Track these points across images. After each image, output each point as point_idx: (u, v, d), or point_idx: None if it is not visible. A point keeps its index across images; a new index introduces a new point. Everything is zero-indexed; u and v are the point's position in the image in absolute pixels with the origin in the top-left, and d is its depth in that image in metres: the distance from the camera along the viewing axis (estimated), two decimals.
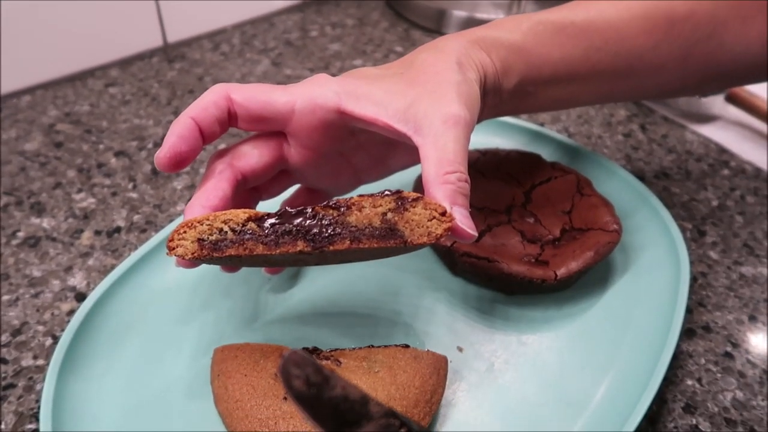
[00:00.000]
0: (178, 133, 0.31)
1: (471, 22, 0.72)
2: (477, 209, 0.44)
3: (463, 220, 0.29)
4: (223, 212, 0.29)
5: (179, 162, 0.31)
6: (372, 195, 0.28)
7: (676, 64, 0.39)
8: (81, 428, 0.32)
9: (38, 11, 0.57)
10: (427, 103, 0.32)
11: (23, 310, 0.40)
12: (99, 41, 0.63)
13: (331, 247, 0.28)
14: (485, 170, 0.46)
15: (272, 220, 0.28)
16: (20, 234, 0.46)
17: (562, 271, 0.38)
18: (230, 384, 0.33)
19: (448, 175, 0.30)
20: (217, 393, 0.33)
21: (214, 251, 0.28)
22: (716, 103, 0.59)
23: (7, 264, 0.43)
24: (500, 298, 0.40)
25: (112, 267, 0.43)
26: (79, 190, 0.50)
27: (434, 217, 0.28)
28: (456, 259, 0.40)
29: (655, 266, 0.41)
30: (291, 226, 0.28)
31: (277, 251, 0.28)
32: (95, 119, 0.58)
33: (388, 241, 0.28)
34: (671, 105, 0.61)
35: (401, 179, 0.43)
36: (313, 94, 0.32)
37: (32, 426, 0.34)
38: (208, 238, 0.29)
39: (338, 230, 0.28)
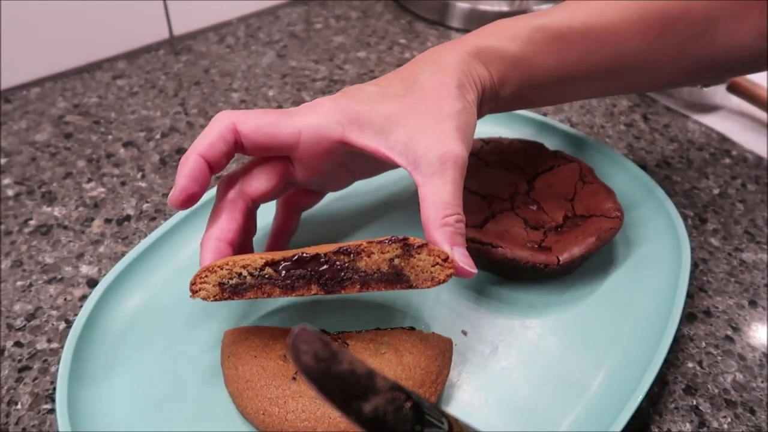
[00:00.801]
0: (188, 174, 0.32)
1: (474, 15, 0.72)
2: (481, 197, 0.44)
3: (462, 259, 0.32)
4: (242, 257, 0.31)
5: (192, 200, 0.33)
6: (380, 241, 0.30)
7: (670, 60, 0.39)
8: (95, 407, 0.33)
9: (46, 5, 0.58)
10: (427, 138, 0.33)
11: (37, 296, 0.41)
12: (106, 34, 0.64)
13: (343, 291, 0.31)
14: (489, 159, 0.47)
15: (287, 264, 0.30)
16: (32, 222, 0.46)
17: (564, 257, 0.39)
18: (240, 365, 0.33)
19: (446, 218, 0.32)
20: (227, 374, 0.34)
21: (234, 294, 0.31)
22: (718, 93, 0.60)
23: (20, 251, 0.44)
24: (504, 283, 0.41)
25: (123, 254, 0.44)
26: (89, 180, 0.50)
27: (438, 263, 0.31)
28: None
29: (657, 252, 0.42)
30: (305, 270, 0.30)
31: (293, 294, 0.31)
32: (103, 110, 0.58)
33: (394, 286, 0.31)
34: (673, 95, 0.62)
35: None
36: (318, 127, 0.33)
37: (47, 406, 0.35)
38: (228, 282, 0.31)
39: (349, 275, 0.30)
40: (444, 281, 0.31)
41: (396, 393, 0.22)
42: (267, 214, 0.41)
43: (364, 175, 0.41)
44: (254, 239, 0.39)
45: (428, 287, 0.31)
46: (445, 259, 0.31)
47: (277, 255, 0.31)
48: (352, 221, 0.45)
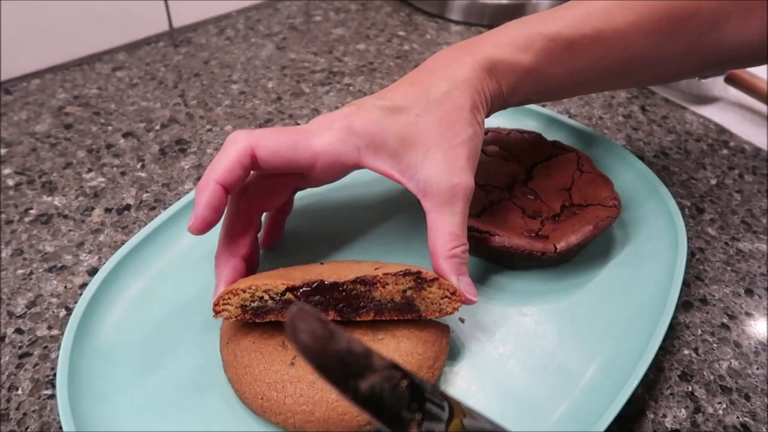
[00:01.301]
0: (207, 203, 0.32)
1: (473, 8, 0.72)
2: (479, 186, 0.44)
3: (467, 288, 0.34)
4: (264, 281, 0.32)
5: (210, 227, 0.34)
6: (395, 273, 0.32)
7: (677, 58, 0.39)
8: (94, 393, 0.33)
9: None
10: (439, 166, 0.34)
11: (37, 284, 0.41)
12: (106, 26, 0.64)
13: (358, 318, 0.33)
14: (487, 149, 0.47)
15: (307, 290, 0.32)
16: (32, 211, 0.47)
17: (561, 245, 0.39)
18: (239, 351, 0.34)
19: (453, 249, 0.34)
20: (226, 359, 0.34)
21: (255, 317, 0.32)
22: (716, 84, 0.60)
23: (20, 240, 0.44)
24: (501, 272, 0.41)
25: (122, 243, 0.44)
26: (89, 170, 0.51)
27: (446, 296, 0.33)
28: None
29: (654, 241, 0.42)
30: (324, 297, 0.32)
31: None
32: (103, 102, 0.59)
33: (405, 315, 0.33)
34: (672, 87, 0.62)
35: None
36: (337, 152, 0.34)
37: (48, 392, 0.35)
38: (250, 305, 0.32)
39: (365, 304, 0.33)
40: (451, 313, 0.33)
41: (392, 371, 0.22)
42: None
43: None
44: None
45: (436, 317, 0.34)
46: (453, 293, 0.33)
47: (296, 279, 0.32)
48: (350, 210, 0.45)
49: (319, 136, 0.34)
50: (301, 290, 0.32)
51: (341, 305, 0.32)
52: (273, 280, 0.32)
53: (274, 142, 0.33)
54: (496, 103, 0.38)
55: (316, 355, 0.21)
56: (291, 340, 0.21)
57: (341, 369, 0.21)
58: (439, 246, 0.34)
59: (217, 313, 0.33)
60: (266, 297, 0.32)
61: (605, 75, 0.39)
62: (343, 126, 0.34)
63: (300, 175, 0.36)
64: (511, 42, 0.37)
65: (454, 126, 0.35)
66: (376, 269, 0.33)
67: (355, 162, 0.35)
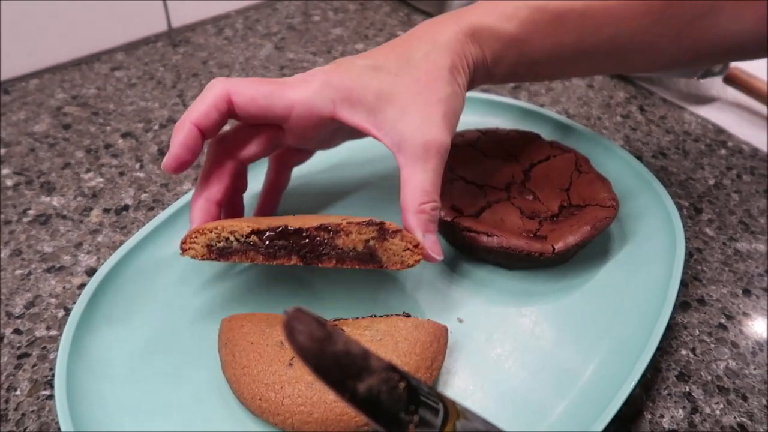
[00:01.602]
0: (181, 143, 0.34)
1: None
2: (477, 186, 0.44)
3: (432, 246, 0.34)
4: (230, 223, 0.33)
5: (184, 166, 0.34)
6: (359, 222, 0.33)
7: (669, 42, 0.39)
8: (92, 394, 0.33)
9: None
10: (415, 122, 0.34)
11: (36, 284, 0.41)
12: (105, 26, 0.64)
13: (320, 264, 0.34)
14: (485, 149, 0.47)
15: (271, 234, 0.33)
16: (31, 212, 0.47)
17: (559, 245, 0.39)
18: (237, 351, 0.34)
19: (423, 205, 0.34)
20: (224, 360, 0.34)
21: (220, 256, 0.33)
22: (714, 84, 0.60)
23: (19, 240, 0.44)
24: (499, 272, 0.41)
25: (121, 243, 0.44)
26: (88, 170, 0.51)
27: (408, 249, 0.34)
28: (456, 233, 0.41)
29: (652, 241, 0.42)
30: (287, 242, 0.33)
31: (274, 262, 0.33)
32: (102, 102, 0.59)
33: (367, 264, 0.34)
34: (670, 87, 0.62)
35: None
36: (311, 102, 0.34)
37: (46, 392, 0.35)
38: (215, 244, 0.33)
39: (327, 250, 0.33)
40: (412, 265, 0.34)
41: (390, 373, 0.22)
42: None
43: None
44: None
45: (397, 269, 0.34)
46: (416, 246, 0.34)
47: (263, 224, 0.33)
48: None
49: (295, 88, 0.35)
50: (266, 234, 0.33)
51: (304, 251, 0.33)
52: (239, 223, 0.33)
53: (251, 90, 0.34)
54: (479, 70, 0.38)
55: (313, 357, 0.21)
56: (288, 342, 0.21)
57: (339, 371, 0.21)
58: (408, 200, 0.34)
59: (183, 250, 0.34)
60: (231, 238, 0.33)
61: (594, 54, 0.39)
62: (320, 80, 0.35)
63: (278, 127, 0.36)
64: (496, 11, 0.38)
65: (431, 85, 0.35)
66: (342, 219, 0.34)
67: (329, 114, 0.35)
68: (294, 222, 0.34)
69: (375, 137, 0.35)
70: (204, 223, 0.35)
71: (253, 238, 0.33)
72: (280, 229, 0.33)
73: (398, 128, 0.34)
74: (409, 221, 0.34)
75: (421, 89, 0.35)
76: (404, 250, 0.34)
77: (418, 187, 0.34)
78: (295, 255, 0.33)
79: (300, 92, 0.34)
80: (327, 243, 0.33)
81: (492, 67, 0.38)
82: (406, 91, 0.35)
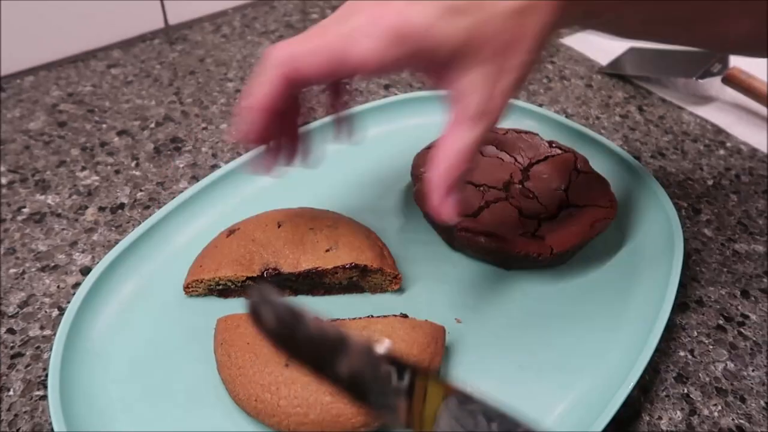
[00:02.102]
0: (251, 131, 0.32)
1: None
2: (475, 186, 0.44)
3: (448, 209, 0.32)
4: (225, 273, 0.38)
5: (264, 141, 0.35)
6: (344, 267, 0.38)
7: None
8: (86, 394, 0.33)
9: None
10: (481, 83, 0.31)
11: (30, 283, 0.41)
12: (101, 23, 0.64)
13: (310, 296, 0.39)
14: (484, 148, 0.47)
15: (265, 279, 0.38)
16: (25, 210, 0.46)
17: (558, 246, 0.39)
18: (233, 352, 0.33)
19: (451, 166, 0.31)
20: (220, 360, 0.34)
21: (221, 295, 0.39)
22: (713, 85, 0.60)
23: (13, 239, 0.44)
24: (498, 272, 0.41)
25: (116, 242, 0.43)
26: (83, 168, 0.50)
27: (388, 280, 0.39)
28: (454, 234, 0.40)
29: (650, 242, 0.42)
30: (280, 282, 0.38)
31: None
32: (98, 99, 0.58)
33: (352, 292, 0.40)
34: (669, 87, 0.62)
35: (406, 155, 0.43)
36: (381, 64, 0.31)
37: (39, 392, 0.35)
38: (215, 287, 0.39)
39: (316, 287, 0.39)
40: (392, 290, 0.40)
41: (371, 352, 0.21)
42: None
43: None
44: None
45: (379, 293, 0.40)
46: (395, 277, 0.39)
47: (257, 272, 0.38)
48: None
49: (361, 44, 0.31)
50: (260, 280, 0.38)
51: (295, 288, 0.39)
52: (234, 272, 0.37)
53: (319, 56, 0.31)
54: (559, 21, 0.33)
55: (283, 340, 0.21)
56: (255, 326, 0.21)
57: (314, 352, 0.21)
58: (441, 157, 0.32)
59: (187, 293, 0.39)
60: (229, 283, 0.38)
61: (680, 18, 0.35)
62: (390, 26, 0.31)
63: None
64: None
65: (511, 46, 0.31)
66: (326, 251, 0.38)
67: (396, 69, 0.32)
68: (284, 255, 0.38)
69: (434, 84, 0.33)
70: (249, 134, 0.33)
71: (249, 282, 0.38)
72: (274, 275, 0.38)
73: (463, 83, 0.31)
74: (433, 179, 0.32)
75: (501, 49, 0.32)
76: (384, 281, 0.39)
77: (456, 147, 0.32)
78: (288, 291, 0.39)
79: (366, 52, 0.31)
80: (316, 281, 0.38)
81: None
82: (484, 47, 0.31)
